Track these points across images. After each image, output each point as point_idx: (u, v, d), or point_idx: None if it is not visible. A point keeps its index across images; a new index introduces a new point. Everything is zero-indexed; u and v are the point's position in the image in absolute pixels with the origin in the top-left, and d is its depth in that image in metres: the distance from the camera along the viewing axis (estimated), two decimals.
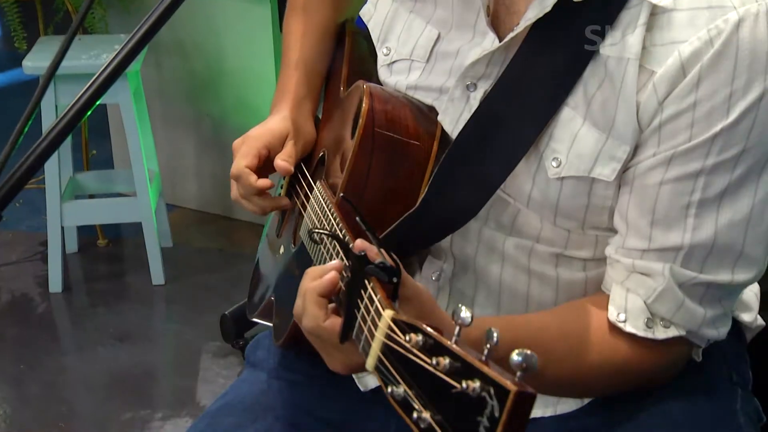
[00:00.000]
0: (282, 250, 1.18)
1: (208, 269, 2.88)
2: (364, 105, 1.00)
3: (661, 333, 0.91)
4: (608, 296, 0.94)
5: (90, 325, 2.62)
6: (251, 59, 2.89)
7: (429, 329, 0.67)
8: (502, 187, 0.97)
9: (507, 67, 0.94)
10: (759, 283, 1.11)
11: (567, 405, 1.03)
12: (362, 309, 0.76)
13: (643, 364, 0.93)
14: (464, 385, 0.61)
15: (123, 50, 0.73)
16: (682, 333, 0.92)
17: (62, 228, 2.68)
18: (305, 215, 1.08)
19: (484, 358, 0.62)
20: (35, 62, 2.57)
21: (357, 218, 0.83)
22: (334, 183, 1.04)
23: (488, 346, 0.63)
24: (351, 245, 0.83)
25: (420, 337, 0.66)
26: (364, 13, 1.12)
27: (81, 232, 2.98)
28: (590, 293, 0.99)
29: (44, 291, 2.75)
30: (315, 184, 1.08)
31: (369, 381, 1.10)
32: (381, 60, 1.08)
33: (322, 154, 1.15)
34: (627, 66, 0.88)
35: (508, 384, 0.59)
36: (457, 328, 0.67)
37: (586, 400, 1.03)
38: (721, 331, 0.94)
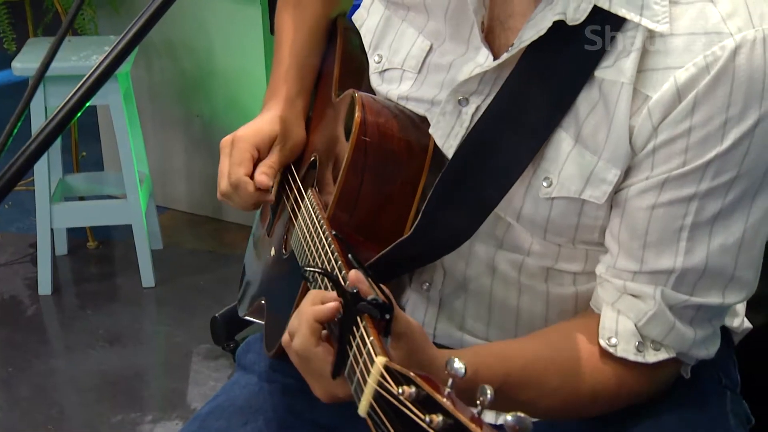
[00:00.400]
0: (273, 252, 1.17)
1: (199, 271, 2.87)
2: (356, 116, 0.99)
3: (651, 357, 0.91)
4: (598, 317, 0.94)
5: (79, 328, 2.61)
6: (241, 59, 2.89)
7: (422, 382, 0.65)
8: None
9: (501, 87, 0.94)
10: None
11: None
12: (354, 347, 0.76)
13: (633, 387, 0.93)
14: None
15: (113, 52, 0.72)
16: (673, 355, 0.92)
17: (52, 230, 2.67)
18: (296, 225, 1.07)
19: (477, 414, 0.62)
20: (24, 63, 2.56)
21: (349, 255, 0.83)
22: (326, 191, 1.04)
23: (481, 399, 0.63)
24: (345, 276, 0.82)
25: (413, 389, 0.65)
26: (357, 18, 1.12)
27: (71, 234, 2.97)
28: (580, 307, 1.00)
29: (33, 293, 2.74)
30: (306, 193, 1.07)
31: None
32: (372, 67, 1.07)
33: (313, 158, 1.14)
34: (621, 90, 0.87)
35: None
36: (450, 380, 0.66)
37: None
38: (711, 351, 0.95)
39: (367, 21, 1.09)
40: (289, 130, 1.15)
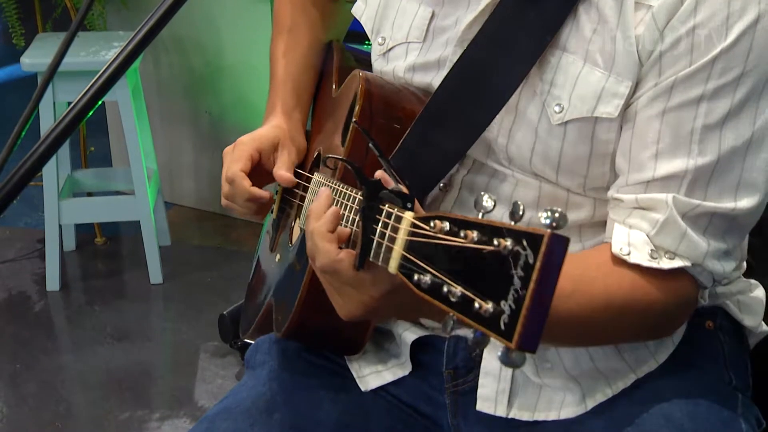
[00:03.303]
0: (278, 258, 1.17)
1: (206, 267, 2.87)
2: (360, 86, 1.00)
3: (666, 263, 0.90)
4: (610, 242, 0.93)
5: (87, 324, 2.61)
6: (250, 56, 2.88)
7: (452, 214, 0.67)
8: (503, 158, 0.97)
9: (493, 12, 0.95)
10: (764, 286, 1.11)
11: (570, 410, 1.03)
12: (379, 229, 0.77)
13: (649, 297, 0.91)
14: (495, 242, 0.61)
15: (124, 51, 0.71)
16: (687, 264, 0.91)
17: (60, 226, 2.67)
18: (304, 206, 1.08)
19: (513, 224, 0.62)
20: (33, 59, 2.56)
21: (370, 144, 0.83)
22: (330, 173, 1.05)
23: (516, 218, 0.63)
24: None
25: (445, 224, 0.66)
26: (356, 10, 1.13)
27: (79, 229, 2.97)
28: None
29: (41, 289, 2.75)
30: (312, 175, 1.08)
31: (370, 381, 1.09)
32: (376, 51, 1.09)
33: (317, 153, 1.14)
34: (624, 1, 0.90)
35: (542, 230, 0.59)
36: (480, 214, 0.67)
37: (589, 405, 1.03)
38: (726, 268, 0.94)
39: (366, 11, 1.11)
40: (290, 137, 1.17)
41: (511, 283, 0.59)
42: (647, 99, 0.90)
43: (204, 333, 2.51)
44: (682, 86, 0.88)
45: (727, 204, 0.90)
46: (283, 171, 1.12)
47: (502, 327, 0.59)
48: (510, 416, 1.04)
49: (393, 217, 0.75)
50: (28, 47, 2.66)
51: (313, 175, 1.09)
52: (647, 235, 0.91)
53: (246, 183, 1.10)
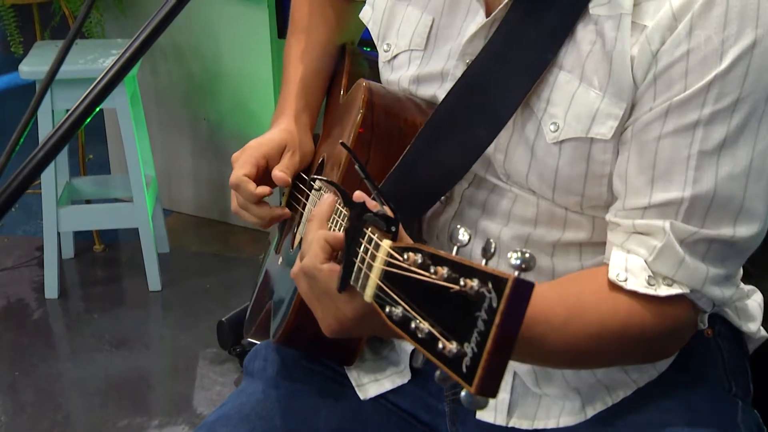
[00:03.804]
0: (280, 261, 1.17)
1: (205, 274, 2.87)
2: (362, 96, 1.01)
3: (663, 290, 0.89)
4: (607, 265, 0.92)
5: (86, 331, 2.61)
6: (248, 63, 2.88)
7: (426, 248, 0.67)
8: (501, 173, 0.97)
9: (496, 30, 0.95)
10: (761, 291, 1.11)
11: (569, 418, 1.03)
12: (360, 254, 0.77)
13: (645, 325, 0.90)
14: (462, 283, 0.61)
15: (121, 59, 0.72)
16: (686, 291, 0.90)
17: (58, 233, 2.67)
18: (304, 213, 1.09)
19: (483, 263, 0.62)
20: (32, 66, 2.56)
21: (356, 166, 0.83)
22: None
23: (487, 255, 0.64)
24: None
25: (418, 256, 0.66)
26: (363, 15, 1.13)
27: (77, 237, 2.97)
28: None
29: (40, 296, 2.74)
30: (315, 183, 1.08)
31: (369, 390, 1.09)
32: (382, 58, 1.09)
33: (321, 159, 1.14)
34: (621, 21, 0.89)
35: (507, 274, 0.59)
36: (455, 248, 0.67)
37: (589, 413, 1.02)
38: (726, 293, 0.92)
39: (372, 15, 1.11)
40: (297, 140, 1.17)
41: (475, 325, 0.59)
42: (643, 123, 0.89)
43: (203, 340, 2.51)
44: (677, 111, 0.87)
45: (726, 231, 0.89)
46: (279, 172, 1.13)
47: (464, 370, 0.59)
48: (509, 425, 1.04)
49: (373, 243, 0.75)
50: (26, 55, 2.66)
51: (315, 181, 1.09)
52: (645, 261, 0.89)
53: (251, 186, 1.10)
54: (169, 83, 3.06)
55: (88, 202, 2.99)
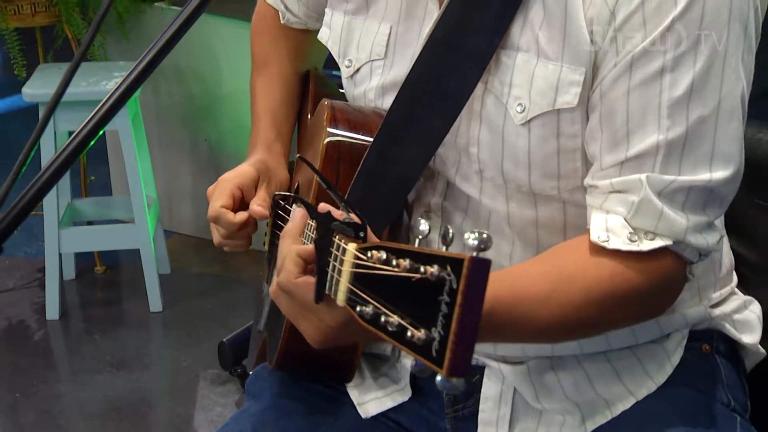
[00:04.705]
0: (266, 290, 1.18)
1: (206, 295, 2.87)
2: (326, 114, 1.03)
3: (646, 244, 0.89)
4: (589, 231, 0.92)
5: (87, 353, 2.60)
6: (248, 84, 2.89)
7: (389, 244, 0.69)
8: (475, 170, 0.98)
9: (441, 16, 0.96)
10: (760, 297, 1.11)
11: (569, 429, 1.03)
12: (331, 262, 0.77)
13: (632, 283, 0.90)
14: (422, 270, 0.62)
15: (125, 82, 0.73)
16: (668, 242, 0.89)
17: (60, 254, 2.68)
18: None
19: (444, 250, 0.64)
20: (35, 89, 2.58)
21: (317, 176, 0.85)
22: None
23: (446, 242, 0.65)
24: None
25: (382, 253, 0.68)
26: (322, 36, 1.14)
27: (79, 258, 2.97)
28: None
29: (41, 318, 2.74)
30: (292, 207, 1.09)
31: (370, 408, 1.09)
32: (344, 74, 1.10)
33: (297, 184, 1.16)
34: None
35: (463, 255, 0.60)
36: (417, 240, 0.68)
37: (589, 427, 1.02)
38: (710, 240, 0.91)
39: (331, 35, 1.12)
40: (271, 170, 1.18)
41: (440, 309, 0.61)
42: (610, 80, 0.90)
43: (203, 361, 2.51)
44: (641, 62, 0.88)
45: (703, 176, 0.89)
46: (255, 206, 1.12)
47: (434, 354, 0.60)
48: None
49: (340, 249, 0.76)
50: (29, 78, 2.68)
51: (292, 207, 1.10)
52: (624, 219, 0.89)
53: (230, 216, 1.11)
54: (170, 104, 3.08)
55: (89, 223, 3.00)
